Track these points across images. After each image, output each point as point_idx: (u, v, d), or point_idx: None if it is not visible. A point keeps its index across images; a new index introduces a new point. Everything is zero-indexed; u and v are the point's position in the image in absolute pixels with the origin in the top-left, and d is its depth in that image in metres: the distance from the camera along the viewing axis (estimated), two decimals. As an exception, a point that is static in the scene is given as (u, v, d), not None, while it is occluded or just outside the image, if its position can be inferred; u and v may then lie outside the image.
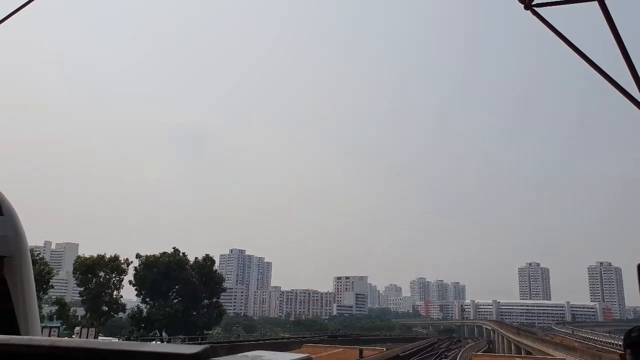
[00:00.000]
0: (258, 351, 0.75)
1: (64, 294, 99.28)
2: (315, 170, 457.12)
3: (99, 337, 42.61)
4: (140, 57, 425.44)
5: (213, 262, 63.75)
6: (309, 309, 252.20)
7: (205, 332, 58.84)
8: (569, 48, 5.66)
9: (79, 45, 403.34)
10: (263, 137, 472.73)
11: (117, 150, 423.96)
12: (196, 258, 61.56)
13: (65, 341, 0.85)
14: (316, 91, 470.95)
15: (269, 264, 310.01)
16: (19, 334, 1.94)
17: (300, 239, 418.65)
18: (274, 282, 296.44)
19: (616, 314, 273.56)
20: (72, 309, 56.25)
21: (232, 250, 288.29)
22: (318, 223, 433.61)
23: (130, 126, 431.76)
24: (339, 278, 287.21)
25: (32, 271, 2.03)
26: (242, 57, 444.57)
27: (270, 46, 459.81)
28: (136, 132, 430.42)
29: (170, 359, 0.69)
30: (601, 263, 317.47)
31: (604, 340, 66.58)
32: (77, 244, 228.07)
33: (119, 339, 46.51)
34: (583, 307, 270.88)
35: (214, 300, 61.51)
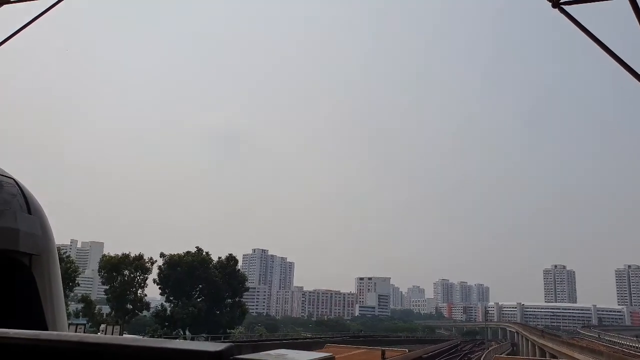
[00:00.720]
0: (281, 349, 0.76)
1: (90, 292, 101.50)
2: (338, 172, 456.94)
3: (124, 335, 43.44)
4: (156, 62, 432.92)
5: (236, 261, 64.33)
6: (331, 309, 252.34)
7: (228, 331, 59.41)
8: (597, 45, 5.65)
9: (116, 50, 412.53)
10: (287, 138, 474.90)
11: (143, 149, 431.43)
12: (219, 258, 62.23)
13: (93, 337, 0.86)
14: (340, 90, 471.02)
15: (291, 264, 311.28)
16: (47, 330, 1.91)
17: (323, 239, 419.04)
18: (296, 282, 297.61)
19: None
20: (97, 306, 57.44)
21: (254, 250, 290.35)
22: (341, 224, 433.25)
23: (159, 127, 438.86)
24: (361, 279, 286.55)
25: (59, 269, 2.06)
26: (265, 58, 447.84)
27: (290, 48, 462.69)
28: (164, 133, 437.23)
29: (195, 355, 0.70)
30: (629, 266, 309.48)
31: (631, 344, 65.06)
32: (103, 243, 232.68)
33: (143, 337, 47.34)
34: (610, 311, 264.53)
35: (237, 299, 62.09)
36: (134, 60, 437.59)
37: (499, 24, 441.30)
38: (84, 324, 44.56)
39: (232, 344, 0.72)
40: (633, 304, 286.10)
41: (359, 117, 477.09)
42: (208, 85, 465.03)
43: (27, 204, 2.04)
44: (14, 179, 2.10)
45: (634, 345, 62.43)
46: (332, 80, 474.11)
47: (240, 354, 0.71)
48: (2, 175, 2.07)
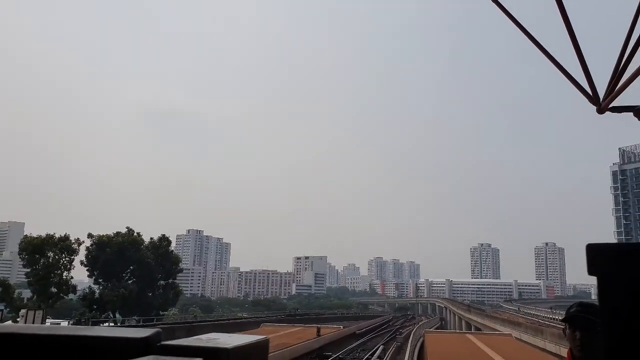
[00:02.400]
0: (212, 333, 0.72)
1: (8, 276, 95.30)
2: (277, 154, 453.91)
3: (47, 320, 41.32)
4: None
5: (169, 242, 62.63)
6: (268, 289, 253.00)
7: (161, 313, 57.99)
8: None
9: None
10: (227, 117, 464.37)
11: (75, 126, 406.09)
12: (151, 238, 60.32)
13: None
14: (284, 75, 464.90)
15: (227, 245, 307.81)
16: None
17: (260, 220, 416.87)
18: (234, 264, 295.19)
19: (558, 291, 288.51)
20: (17, 290, 54.14)
21: (189, 231, 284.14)
22: (281, 206, 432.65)
23: (94, 103, 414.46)
24: (298, 258, 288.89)
25: None
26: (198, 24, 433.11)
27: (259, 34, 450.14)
28: (99, 110, 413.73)
29: (119, 343, 0.65)
30: (546, 243, 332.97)
31: (546, 315, 70.21)
32: (23, 223, 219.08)
33: (68, 322, 45.26)
34: (529, 285, 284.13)
35: (170, 281, 60.61)
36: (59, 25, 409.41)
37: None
38: (2, 310, 41.84)
39: (160, 329, 0.68)
40: (549, 278, 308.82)
41: (303, 97, 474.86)
42: (141, 58, 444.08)
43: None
44: None
45: (548, 316, 67.33)
46: (277, 53, 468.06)
47: (172, 338, 0.68)
48: None
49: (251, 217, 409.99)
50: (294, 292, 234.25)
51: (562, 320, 2.70)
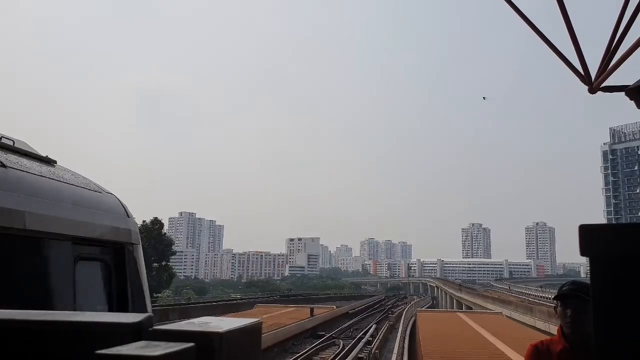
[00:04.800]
0: (205, 317, 0.71)
1: None
2: (267, 134, 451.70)
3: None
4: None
5: (162, 225, 62.58)
6: (261, 270, 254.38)
7: (154, 295, 58.29)
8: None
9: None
10: (219, 99, 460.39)
11: (63, 108, 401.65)
12: (144, 221, 60.20)
13: None
14: (274, 59, 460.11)
15: (220, 227, 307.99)
16: (145, 304, 3.30)
17: (253, 202, 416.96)
18: (226, 246, 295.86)
19: (548, 270, 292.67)
20: None
21: (181, 213, 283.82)
22: (271, 186, 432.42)
23: (88, 85, 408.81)
24: (291, 240, 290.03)
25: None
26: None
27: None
28: (92, 93, 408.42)
29: (111, 328, 0.64)
30: (537, 223, 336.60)
31: (536, 294, 71.31)
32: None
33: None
34: (519, 265, 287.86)
35: (163, 263, 60.73)
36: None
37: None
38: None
39: (151, 314, 0.68)
40: (539, 257, 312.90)
41: (294, 79, 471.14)
42: (133, 42, 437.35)
43: (125, 211, 3.31)
44: (113, 194, 3.36)
45: (538, 295, 68.39)
46: (272, 33, 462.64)
47: (166, 320, 0.85)
48: (105, 192, 3.30)
49: (244, 199, 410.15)
50: (287, 273, 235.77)
51: (554, 298, 2.74)
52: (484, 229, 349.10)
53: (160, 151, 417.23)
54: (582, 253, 0.77)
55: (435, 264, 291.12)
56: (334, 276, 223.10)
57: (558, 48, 4.95)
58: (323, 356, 20.42)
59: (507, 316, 33.05)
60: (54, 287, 2.56)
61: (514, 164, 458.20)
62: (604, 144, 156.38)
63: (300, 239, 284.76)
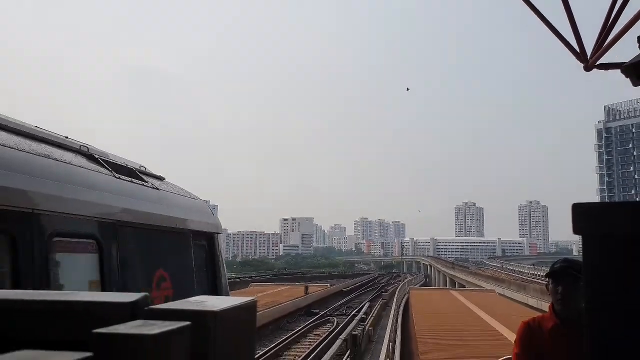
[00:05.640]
0: (201, 296, 0.72)
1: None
2: (260, 112, 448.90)
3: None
4: None
5: (156, 205, 62.52)
6: (255, 250, 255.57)
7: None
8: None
9: None
10: (206, 74, 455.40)
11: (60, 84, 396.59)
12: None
13: None
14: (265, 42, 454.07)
15: (214, 207, 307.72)
16: (225, 273, 5.30)
17: (247, 182, 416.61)
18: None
19: (541, 248, 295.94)
20: None
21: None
22: (268, 167, 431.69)
23: (78, 63, 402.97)
24: (285, 219, 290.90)
25: None
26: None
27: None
28: (81, 70, 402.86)
29: (108, 307, 0.64)
30: (530, 202, 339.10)
31: (528, 272, 72.18)
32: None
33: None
34: (512, 242, 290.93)
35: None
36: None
37: None
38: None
39: (147, 293, 0.68)
40: (532, 236, 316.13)
41: (280, 55, 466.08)
42: (121, 19, 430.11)
43: (211, 211, 5.39)
44: (202, 200, 5.33)
45: (531, 272, 69.20)
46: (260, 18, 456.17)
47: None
48: (199, 199, 5.26)
49: (239, 179, 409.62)
50: (281, 253, 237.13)
51: (545, 276, 2.76)
52: (477, 207, 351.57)
53: (149, 126, 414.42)
54: (575, 231, 0.78)
55: (429, 242, 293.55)
56: (327, 255, 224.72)
57: (553, 25, 4.89)
58: (317, 333, 20.67)
59: (499, 294, 33.47)
60: (187, 262, 4.47)
61: (508, 143, 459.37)
62: (599, 122, 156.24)
63: (294, 219, 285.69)
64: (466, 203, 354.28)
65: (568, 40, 4.77)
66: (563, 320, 2.60)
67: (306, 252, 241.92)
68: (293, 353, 16.31)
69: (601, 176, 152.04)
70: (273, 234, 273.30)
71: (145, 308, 0.64)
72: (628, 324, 0.72)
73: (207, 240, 5.04)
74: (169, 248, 4.25)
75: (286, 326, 22.66)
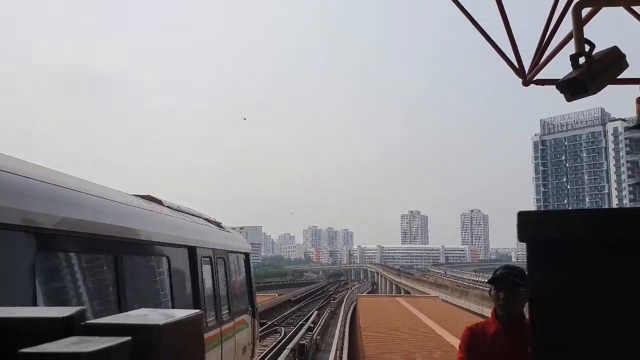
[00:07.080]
0: (143, 309, 0.67)
1: None
2: (205, 117, 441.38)
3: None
4: None
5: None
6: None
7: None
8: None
9: None
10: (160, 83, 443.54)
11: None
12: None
13: None
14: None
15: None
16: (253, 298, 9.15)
17: (193, 187, 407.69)
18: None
19: (482, 255, 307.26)
20: None
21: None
22: (215, 176, 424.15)
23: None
24: (233, 228, 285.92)
25: None
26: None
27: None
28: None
29: (37, 324, 0.59)
30: (472, 210, 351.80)
31: (470, 278, 74.68)
32: None
33: None
34: (455, 250, 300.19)
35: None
36: None
37: None
38: None
39: (84, 307, 0.63)
40: (473, 243, 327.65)
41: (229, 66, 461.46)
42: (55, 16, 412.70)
43: (245, 238, 10.62)
44: (238, 232, 10.90)
45: (473, 279, 71.62)
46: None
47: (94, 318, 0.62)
48: (237, 231, 11.02)
49: (180, 183, 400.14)
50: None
51: (488, 282, 2.86)
52: (422, 216, 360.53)
53: (92, 132, 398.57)
54: (520, 239, 0.80)
55: (376, 250, 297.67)
56: (276, 264, 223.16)
57: (496, 43, 5.12)
58: (265, 343, 20.41)
59: (443, 300, 34.39)
60: (235, 276, 7.78)
61: (452, 153, 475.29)
62: (535, 135, 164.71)
63: (242, 228, 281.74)
64: (411, 212, 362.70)
65: (509, 57, 5.02)
66: (505, 325, 2.70)
67: (254, 261, 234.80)
68: (240, 364, 15.99)
69: (537, 186, 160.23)
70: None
71: (82, 323, 0.59)
72: (571, 325, 0.74)
73: (244, 258, 8.84)
74: (241, 263, 8.52)
75: (233, 337, 22.20)
